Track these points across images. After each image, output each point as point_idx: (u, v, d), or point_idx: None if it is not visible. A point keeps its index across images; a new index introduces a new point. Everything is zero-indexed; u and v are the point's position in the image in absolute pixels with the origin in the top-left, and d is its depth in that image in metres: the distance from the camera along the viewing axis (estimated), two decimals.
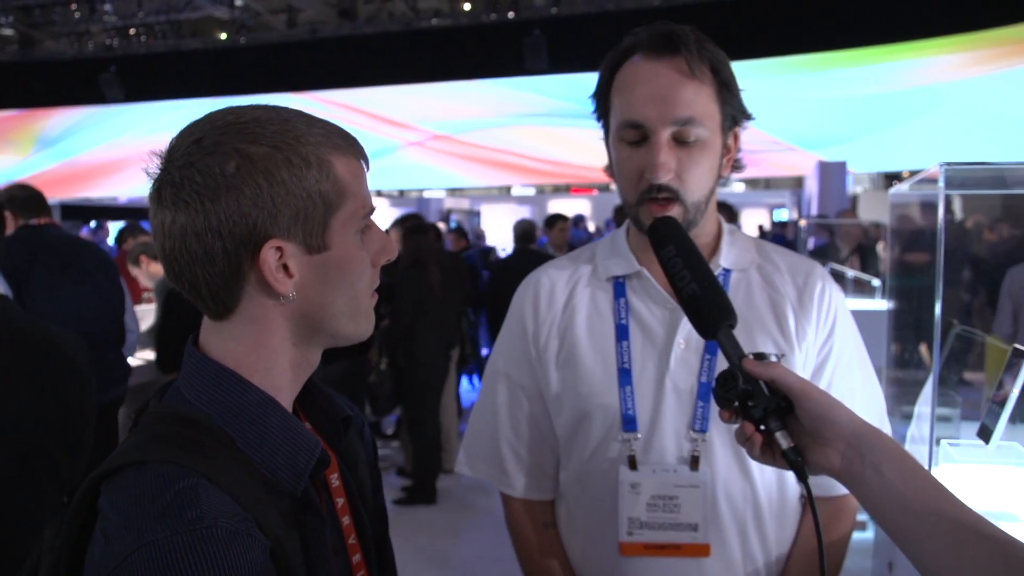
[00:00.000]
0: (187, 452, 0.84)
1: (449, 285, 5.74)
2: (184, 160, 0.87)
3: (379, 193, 20.52)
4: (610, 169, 1.43)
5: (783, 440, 0.97)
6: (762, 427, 0.99)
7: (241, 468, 0.87)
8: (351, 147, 0.95)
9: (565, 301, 1.46)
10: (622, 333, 1.40)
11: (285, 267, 0.90)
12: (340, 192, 0.92)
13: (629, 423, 1.36)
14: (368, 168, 0.99)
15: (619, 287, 1.44)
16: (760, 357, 1.00)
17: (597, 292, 1.46)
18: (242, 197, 0.86)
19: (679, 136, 1.30)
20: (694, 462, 1.34)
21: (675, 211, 1.32)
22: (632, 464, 1.36)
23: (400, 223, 6.44)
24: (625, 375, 1.37)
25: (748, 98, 1.40)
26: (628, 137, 1.33)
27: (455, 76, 16.64)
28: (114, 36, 18.17)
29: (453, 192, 20.16)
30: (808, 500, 0.96)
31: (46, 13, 17.60)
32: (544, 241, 8.07)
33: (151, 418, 0.92)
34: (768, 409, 0.98)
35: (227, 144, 0.87)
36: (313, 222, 0.90)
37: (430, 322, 5.50)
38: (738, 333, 1.23)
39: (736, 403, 1.00)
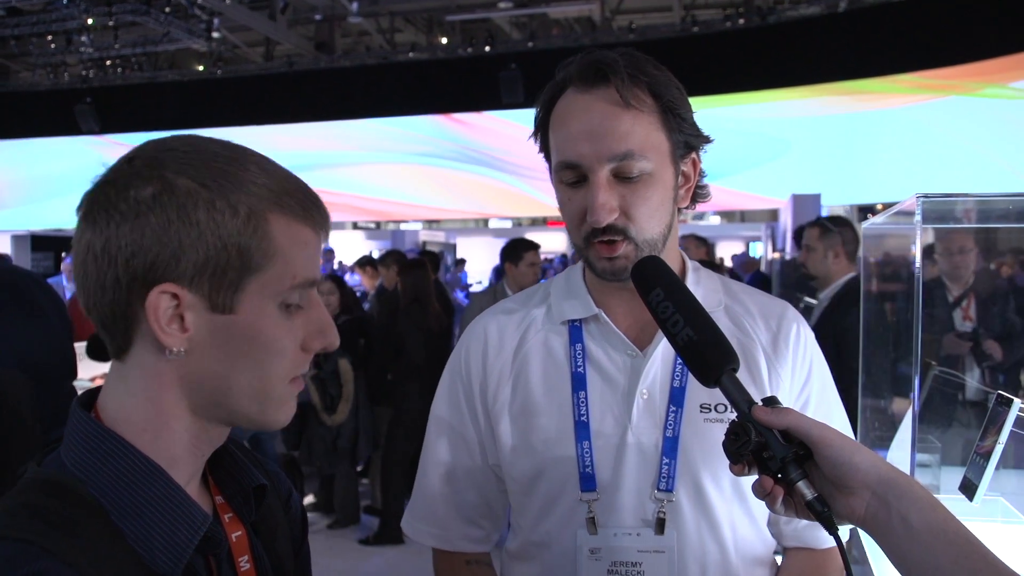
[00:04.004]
0: (47, 527, 0.75)
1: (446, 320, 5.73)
2: (110, 176, 0.82)
3: (355, 225, 20.41)
4: None
5: (807, 491, 0.90)
6: (779, 476, 0.92)
7: (111, 546, 0.77)
8: (304, 212, 0.85)
9: (516, 347, 1.35)
10: (579, 382, 1.29)
11: (181, 319, 0.80)
12: (267, 254, 0.82)
13: (588, 482, 1.25)
14: (325, 241, 0.89)
15: (575, 331, 1.33)
16: (769, 402, 0.93)
17: (551, 336, 1.34)
18: (147, 228, 0.78)
19: (620, 172, 1.20)
20: (659, 525, 1.24)
21: (624, 250, 1.22)
22: (591, 527, 1.25)
23: (391, 259, 6.43)
24: (583, 429, 1.27)
25: None
26: (566, 179, 1.24)
27: (432, 110, 16.70)
28: (90, 67, 18.08)
29: (430, 224, 20.09)
30: (840, 552, 0.89)
31: (22, 44, 17.48)
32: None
33: (21, 485, 0.82)
34: (786, 459, 0.91)
35: (157, 169, 0.80)
36: (223, 277, 0.80)
37: (431, 359, 5.40)
38: None
39: (750, 455, 0.93)
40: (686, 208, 1.35)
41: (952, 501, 1.63)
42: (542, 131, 1.30)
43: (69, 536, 0.75)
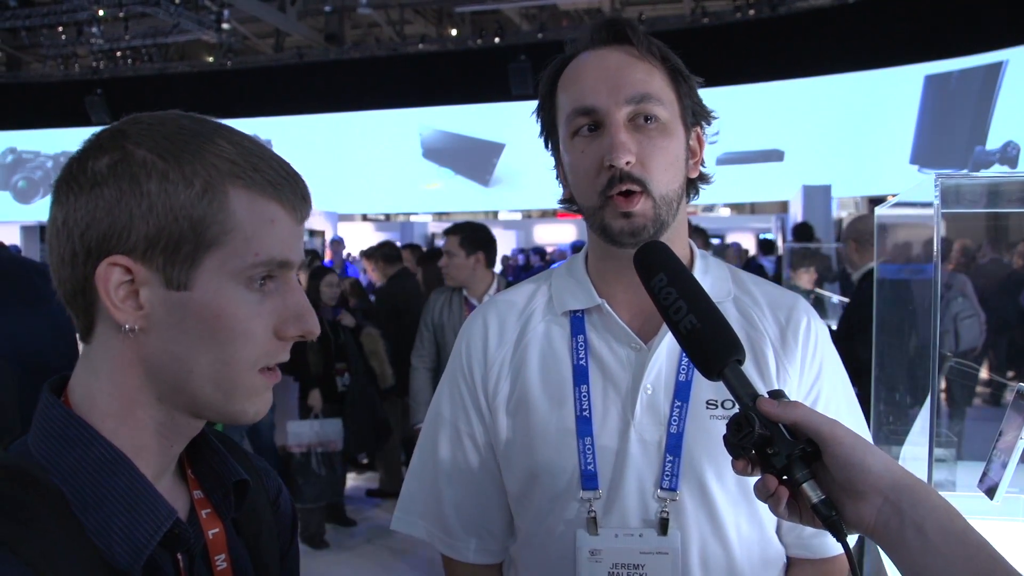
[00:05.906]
0: (0, 516, 0.71)
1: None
2: (79, 149, 0.80)
3: (365, 217, 20.41)
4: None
5: (812, 492, 0.83)
6: (784, 477, 0.85)
7: (68, 539, 0.73)
8: (274, 189, 0.80)
9: (517, 337, 1.29)
10: (580, 376, 1.23)
11: (137, 294, 0.77)
12: (226, 228, 0.77)
13: (589, 480, 1.20)
14: (300, 222, 0.83)
15: (577, 322, 1.26)
16: (776, 395, 0.87)
17: (552, 327, 1.28)
18: (100, 199, 0.76)
19: (638, 114, 1.17)
20: (662, 525, 1.18)
21: (642, 205, 1.16)
22: (592, 527, 1.19)
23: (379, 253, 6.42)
24: (584, 424, 1.21)
25: None
26: (580, 127, 1.19)
27: (441, 101, 16.68)
28: (101, 59, 18.12)
29: (439, 216, 20.06)
30: (849, 561, 0.83)
31: (33, 35, 17.54)
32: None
33: None
34: (792, 457, 0.84)
35: (118, 140, 0.78)
36: (177, 251, 0.76)
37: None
38: None
39: (752, 451, 0.86)
40: (693, 192, 1.29)
41: (970, 498, 1.57)
42: (548, 103, 1.26)
43: (22, 526, 0.71)
